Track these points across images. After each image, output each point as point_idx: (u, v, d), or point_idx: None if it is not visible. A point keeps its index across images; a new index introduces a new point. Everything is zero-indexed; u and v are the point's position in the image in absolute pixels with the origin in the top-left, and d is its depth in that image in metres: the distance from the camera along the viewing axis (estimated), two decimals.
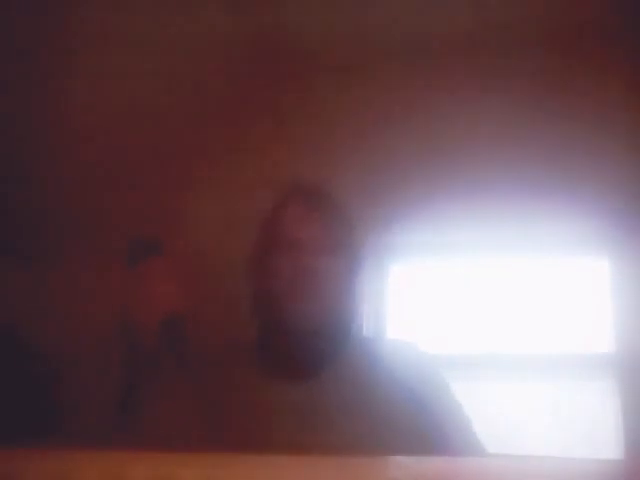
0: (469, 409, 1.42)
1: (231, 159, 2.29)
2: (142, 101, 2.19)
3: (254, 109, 2.29)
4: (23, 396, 1.87)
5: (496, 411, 2.04)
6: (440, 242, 2.28)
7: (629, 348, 2.03)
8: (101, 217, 2.24)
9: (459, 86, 2.23)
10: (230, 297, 1.65)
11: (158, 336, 1.15)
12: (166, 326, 1.16)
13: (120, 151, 2.25)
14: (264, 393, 1.30)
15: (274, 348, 1.36)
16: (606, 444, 1.97)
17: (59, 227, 2.26)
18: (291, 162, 2.17)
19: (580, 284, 2.21)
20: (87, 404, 1.13)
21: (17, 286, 2.19)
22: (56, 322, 2.09)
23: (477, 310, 2.23)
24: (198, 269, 1.94)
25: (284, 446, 0.75)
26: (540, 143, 2.15)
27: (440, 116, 2.22)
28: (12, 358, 1.95)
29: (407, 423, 1.26)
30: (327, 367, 1.34)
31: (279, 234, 1.39)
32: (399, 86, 2.28)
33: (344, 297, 1.38)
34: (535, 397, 2.12)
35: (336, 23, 2.13)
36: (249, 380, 1.32)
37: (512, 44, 2.16)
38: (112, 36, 2.04)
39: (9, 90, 2.02)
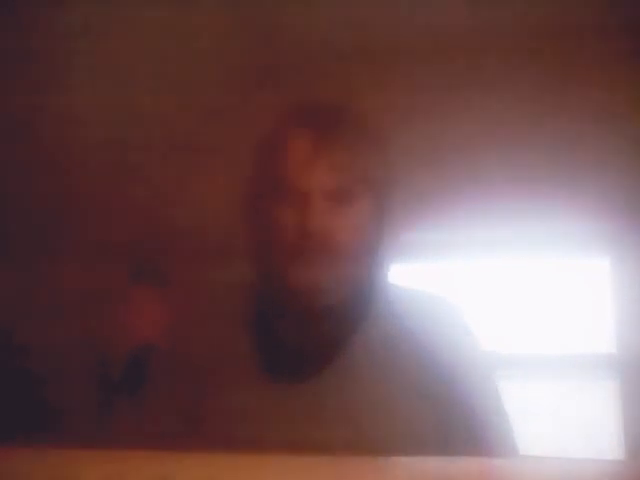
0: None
1: (230, 159, 2.29)
2: (141, 104, 2.19)
3: (254, 110, 2.29)
4: (14, 394, 1.87)
5: None
6: (441, 242, 2.28)
7: (630, 348, 2.03)
8: (94, 219, 2.24)
9: (461, 86, 2.23)
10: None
11: (124, 363, 1.12)
12: (133, 357, 1.14)
13: (116, 153, 2.26)
14: (264, 394, 1.02)
15: (275, 331, 1.04)
16: (606, 444, 1.98)
17: (49, 228, 2.25)
18: None
19: (582, 284, 2.21)
20: (72, 403, 1.13)
21: (6, 287, 2.18)
22: (44, 322, 2.08)
23: (478, 310, 2.23)
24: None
25: (285, 447, 0.74)
26: (542, 143, 2.16)
27: (442, 116, 2.22)
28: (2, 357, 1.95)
29: (438, 426, 0.98)
30: (340, 355, 1.02)
31: (278, 177, 1.01)
32: (400, 86, 2.28)
33: (367, 259, 1.04)
34: (536, 397, 2.12)
35: (337, 24, 2.13)
36: (247, 379, 1.04)
37: (513, 44, 2.16)
38: (112, 37, 2.04)
39: (5, 93, 2.03)
